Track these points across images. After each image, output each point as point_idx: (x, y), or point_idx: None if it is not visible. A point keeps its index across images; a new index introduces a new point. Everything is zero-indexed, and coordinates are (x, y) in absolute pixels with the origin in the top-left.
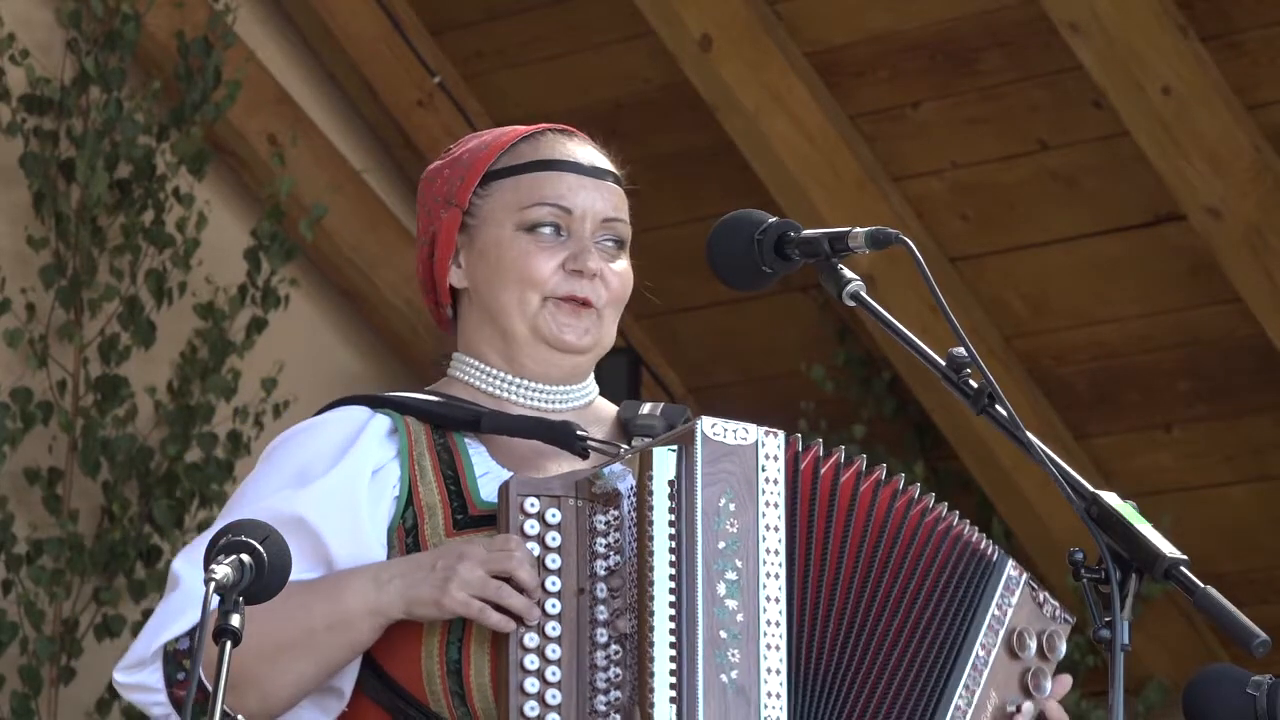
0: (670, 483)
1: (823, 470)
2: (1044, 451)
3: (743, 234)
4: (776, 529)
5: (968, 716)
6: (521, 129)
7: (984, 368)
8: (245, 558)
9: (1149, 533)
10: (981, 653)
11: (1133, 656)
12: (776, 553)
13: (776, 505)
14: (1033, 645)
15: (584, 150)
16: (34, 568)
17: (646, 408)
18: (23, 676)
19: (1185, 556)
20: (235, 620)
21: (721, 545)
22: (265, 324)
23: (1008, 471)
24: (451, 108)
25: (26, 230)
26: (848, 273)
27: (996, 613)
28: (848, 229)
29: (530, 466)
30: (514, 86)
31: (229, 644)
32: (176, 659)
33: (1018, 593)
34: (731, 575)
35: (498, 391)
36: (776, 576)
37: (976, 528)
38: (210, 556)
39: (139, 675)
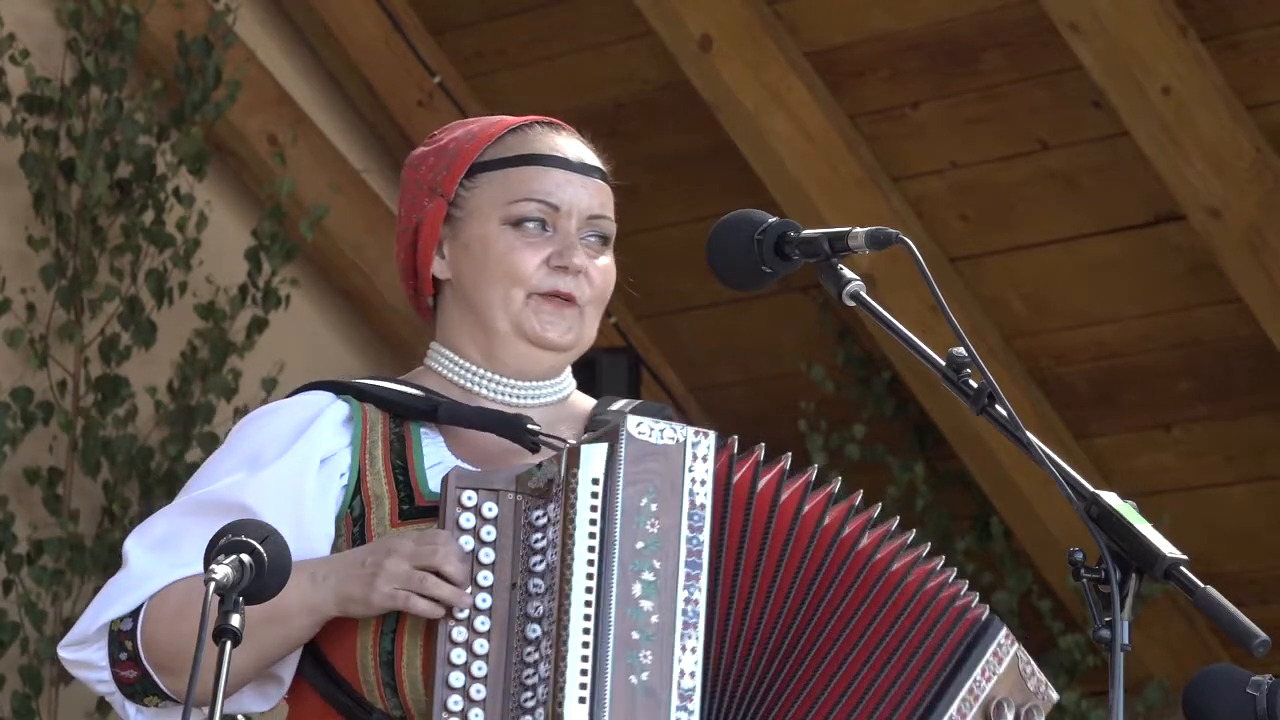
0: (595, 480)
1: (762, 478)
2: (1044, 451)
3: (743, 234)
4: (700, 529)
5: None
6: (509, 120)
7: (984, 368)
8: (245, 558)
9: (1149, 533)
10: (957, 716)
11: (1133, 656)
12: (699, 555)
13: (704, 506)
14: (1009, 716)
15: (571, 145)
16: (35, 568)
17: (619, 403)
18: (23, 677)
19: (1185, 556)
20: (235, 620)
21: (640, 545)
22: (266, 324)
23: (1008, 471)
24: (451, 108)
25: (26, 230)
26: (848, 273)
27: (979, 678)
28: (848, 229)
29: (495, 461)
30: (514, 86)
31: (229, 644)
32: (120, 639)
33: (1005, 661)
34: (648, 576)
35: (469, 385)
36: (697, 579)
37: (972, 589)
38: (210, 556)
39: (83, 652)
